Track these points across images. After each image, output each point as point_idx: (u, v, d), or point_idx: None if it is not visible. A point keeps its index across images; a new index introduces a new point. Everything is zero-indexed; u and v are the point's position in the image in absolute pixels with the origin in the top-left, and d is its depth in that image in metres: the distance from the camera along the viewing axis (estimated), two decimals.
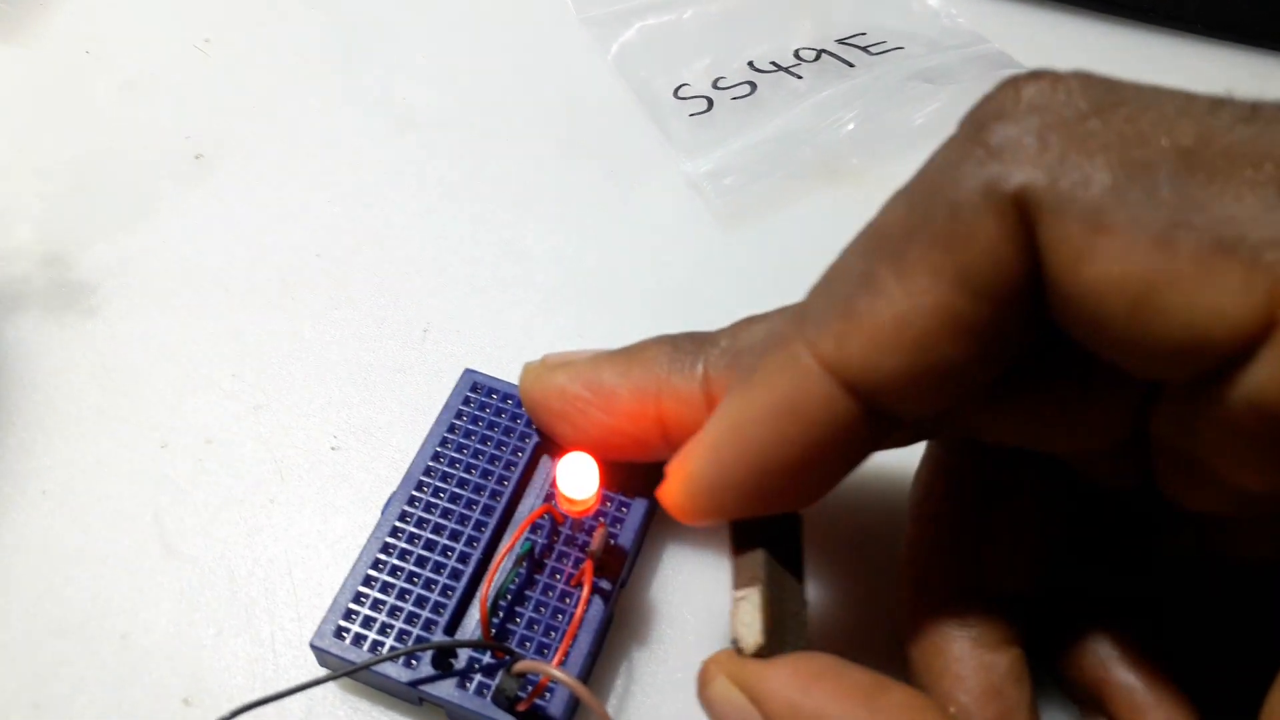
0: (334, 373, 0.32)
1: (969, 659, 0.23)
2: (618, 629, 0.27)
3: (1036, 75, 0.18)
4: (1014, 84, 0.19)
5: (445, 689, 0.24)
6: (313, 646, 0.24)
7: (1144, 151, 0.17)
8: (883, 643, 0.25)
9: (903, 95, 0.38)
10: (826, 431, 0.20)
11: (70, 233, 0.35)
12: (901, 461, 0.26)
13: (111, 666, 0.26)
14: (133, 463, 0.30)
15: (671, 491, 0.22)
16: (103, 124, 0.38)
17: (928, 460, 0.26)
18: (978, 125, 0.18)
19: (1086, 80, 0.18)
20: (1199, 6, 0.41)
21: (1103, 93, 0.18)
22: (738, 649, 0.22)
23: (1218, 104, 0.17)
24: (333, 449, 0.30)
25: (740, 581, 0.22)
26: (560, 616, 0.25)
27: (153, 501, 0.29)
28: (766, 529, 0.22)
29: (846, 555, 0.28)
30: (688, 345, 0.25)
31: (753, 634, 0.21)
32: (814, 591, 0.27)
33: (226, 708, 0.25)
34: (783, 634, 0.22)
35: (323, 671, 0.25)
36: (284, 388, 0.31)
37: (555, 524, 0.26)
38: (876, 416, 0.20)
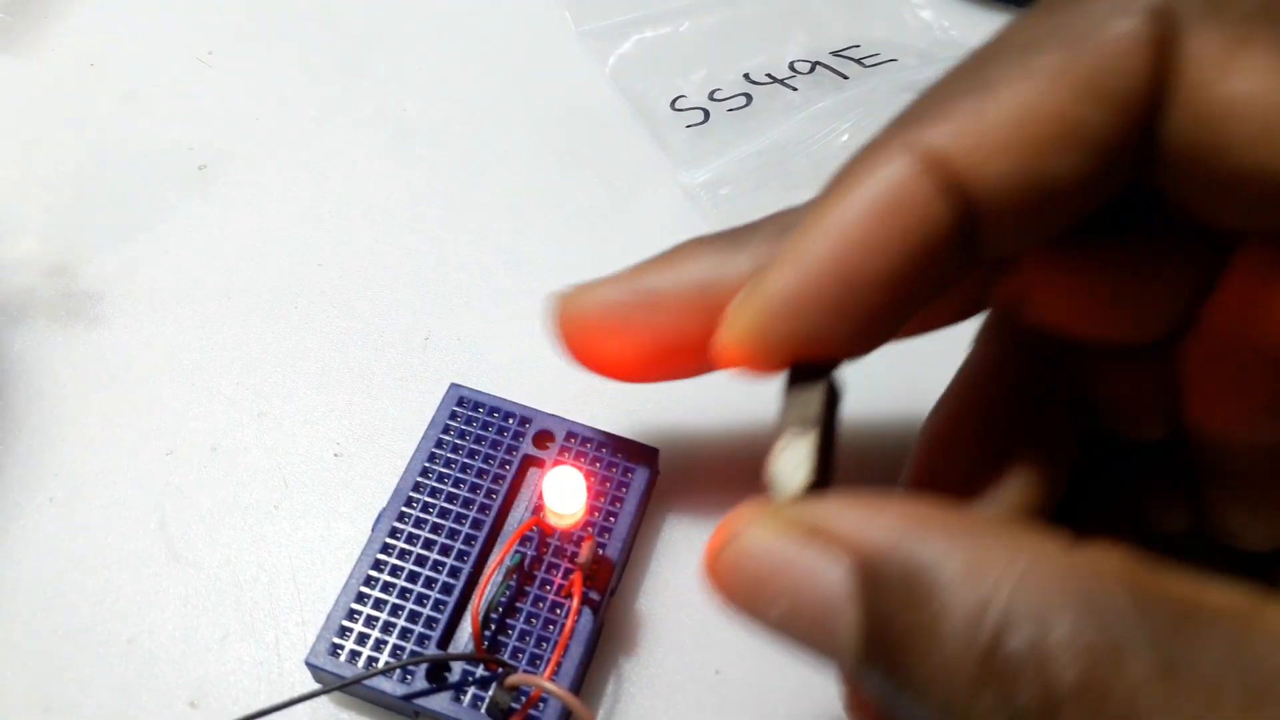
0: (336, 380, 0.32)
1: None
2: (606, 639, 0.27)
3: None
4: None
5: (439, 702, 0.24)
6: (308, 664, 0.25)
7: None
8: None
9: (896, 107, 0.38)
10: (920, 239, 0.18)
11: (75, 243, 0.35)
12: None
13: (118, 670, 0.26)
14: (138, 470, 0.30)
15: (740, 324, 0.20)
16: (106, 135, 0.39)
17: (968, 365, 0.25)
18: None
19: None
20: None
21: None
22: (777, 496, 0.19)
23: None
24: (335, 456, 0.30)
25: (791, 419, 0.20)
26: (551, 628, 0.25)
27: (158, 508, 0.29)
28: (821, 367, 0.20)
29: None
30: (728, 237, 0.23)
31: (801, 475, 0.19)
32: None
33: (232, 711, 0.25)
34: (827, 486, 0.19)
35: (318, 686, 0.25)
36: (287, 395, 0.32)
37: (544, 535, 0.27)
38: (967, 236, 0.18)
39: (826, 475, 0.19)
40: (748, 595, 0.18)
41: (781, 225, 0.22)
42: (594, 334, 0.24)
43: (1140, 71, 0.17)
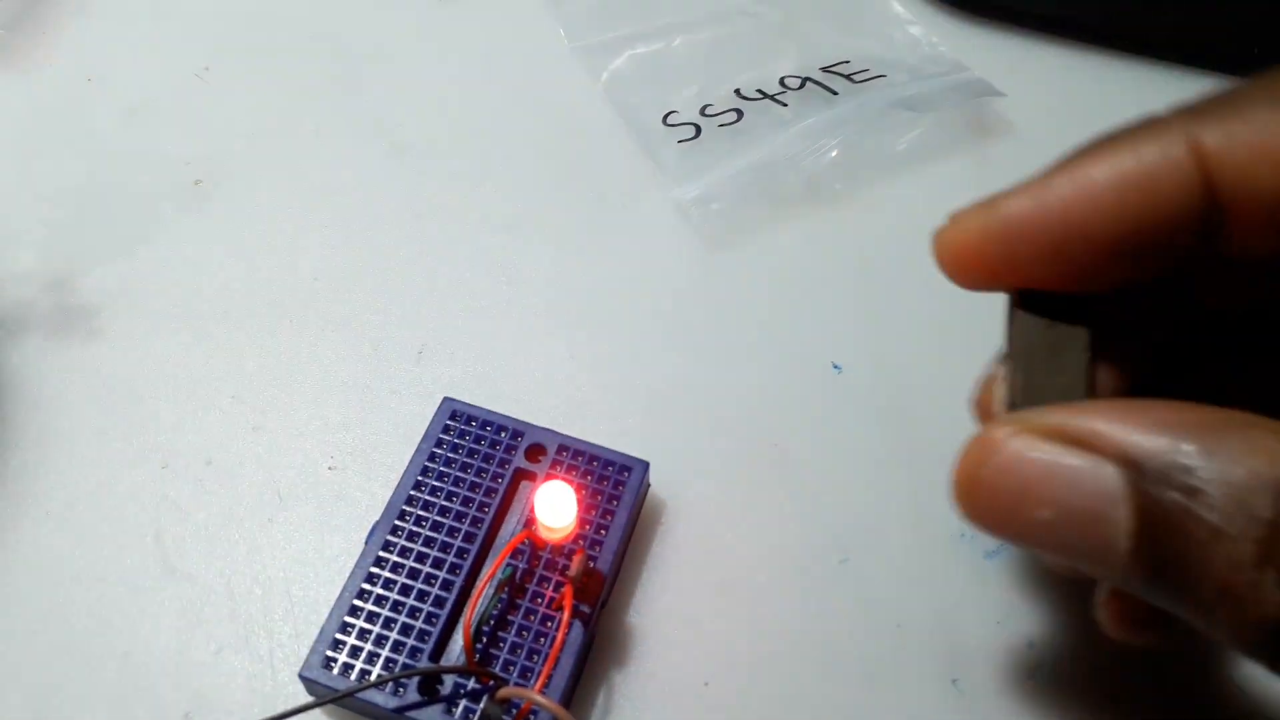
0: (331, 394, 0.32)
1: None
2: (597, 651, 0.27)
3: None
4: None
5: (431, 715, 0.24)
6: (301, 677, 0.25)
7: None
8: None
9: (885, 122, 0.39)
10: (1167, 215, 0.19)
11: (72, 257, 0.35)
12: None
13: (114, 684, 0.27)
14: (134, 483, 0.30)
15: (971, 225, 0.20)
16: (104, 151, 0.39)
17: None
18: None
19: None
20: (1173, 36, 0.42)
21: None
22: (1025, 404, 0.20)
23: None
24: (330, 469, 0.31)
25: (1029, 340, 0.21)
26: (542, 640, 0.26)
27: (154, 521, 0.30)
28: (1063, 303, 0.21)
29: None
30: (1169, 117, 0.20)
31: (1054, 393, 0.20)
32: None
33: None
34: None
35: (311, 699, 0.26)
36: (282, 409, 0.32)
37: (535, 549, 0.27)
38: (1209, 231, 0.19)
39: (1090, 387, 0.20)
40: (1011, 506, 0.19)
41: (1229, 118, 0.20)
42: (996, 247, 0.21)
43: None
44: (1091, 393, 0.20)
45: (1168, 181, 0.19)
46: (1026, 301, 0.21)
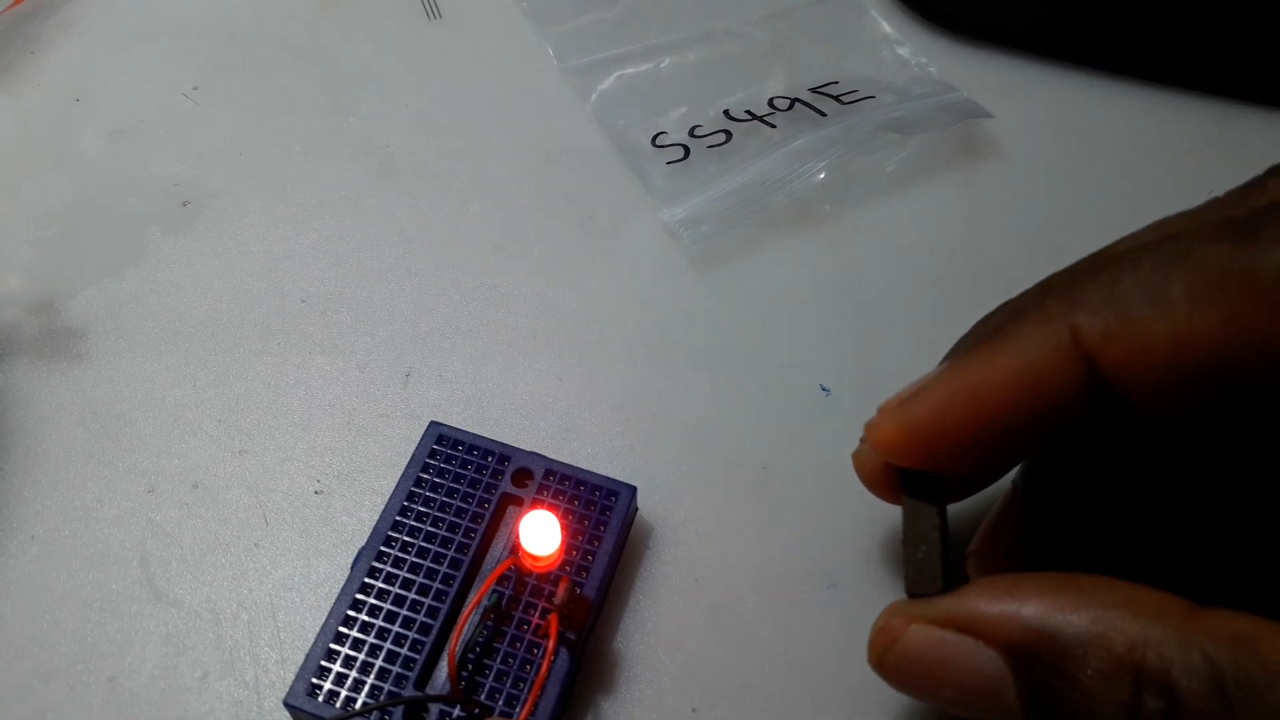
0: (318, 417, 0.32)
1: None
2: (584, 678, 0.27)
3: None
4: None
5: None
6: (286, 705, 0.25)
7: None
8: None
9: (873, 144, 0.39)
10: (1060, 410, 0.21)
11: (59, 279, 0.35)
12: None
13: (98, 709, 0.27)
14: (120, 507, 0.30)
15: (886, 428, 0.22)
16: (92, 171, 0.39)
17: None
18: None
19: None
20: (1162, 58, 0.43)
21: None
22: (917, 594, 0.22)
23: None
24: (316, 493, 0.31)
25: (918, 535, 0.23)
26: (528, 667, 0.25)
27: (140, 546, 0.29)
28: (931, 483, 0.23)
29: None
30: (1050, 308, 0.22)
31: (936, 582, 0.22)
32: None
33: None
34: (953, 576, 0.22)
35: None
36: (269, 432, 0.32)
37: (521, 575, 0.27)
38: (1110, 411, 0.20)
39: (952, 577, 0.22)
40: (918, 686, 0.22)
41: (1113, 299, 0.21)
42: (923, 441, 0.23)
43: None
44: (949, 575, 0.22)
45: (1059, 376, 0.20)
46: (908, 484, 0.24)
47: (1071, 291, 0.21)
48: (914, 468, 0.23)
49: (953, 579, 0.22)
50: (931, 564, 0.22)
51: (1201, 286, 0.19)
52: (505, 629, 0.26)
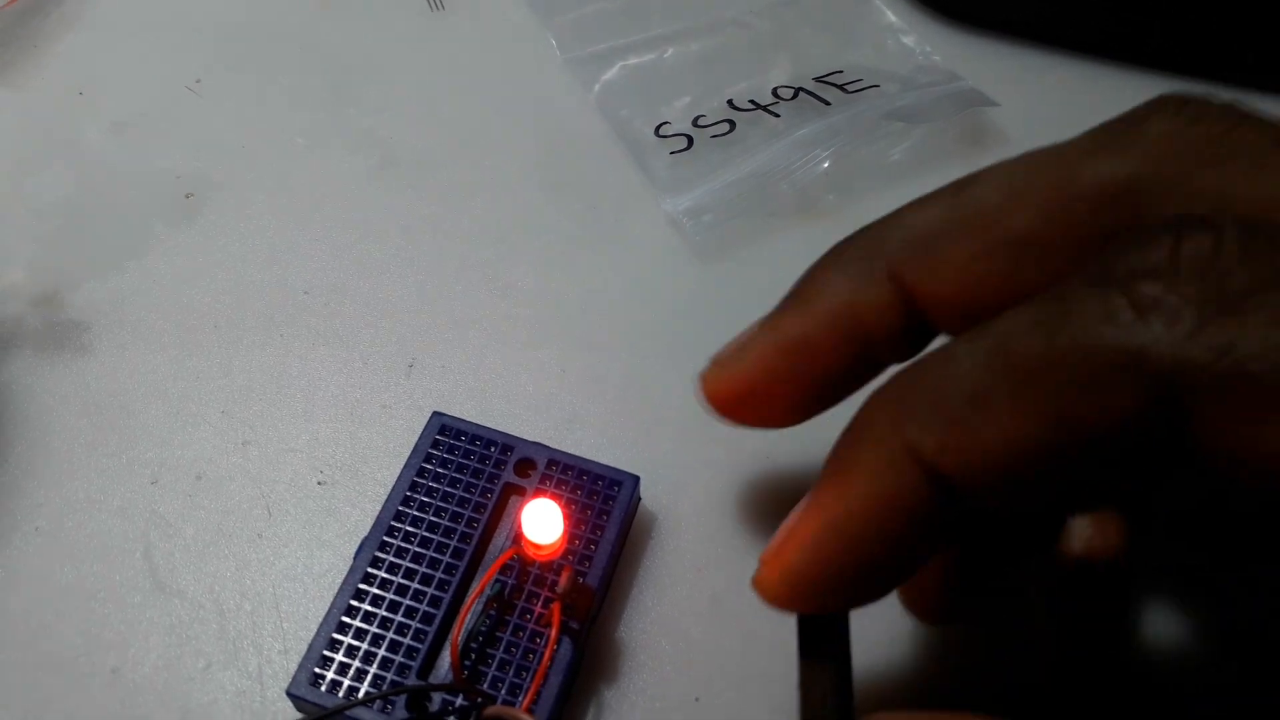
0: (321, 408, 0.32)
1: None
2: (587, 667, 0.27)
3: (1195, 227, 0.18)
4: (1170, 238, 0.18)
5: None
6: (289, 694, 0.25)
7: None
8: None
9: (878, 133, 0.39)
10: (921, 528, 0.20)
11: (62, 272, 0.35)
12: None
13: (102, 701, 0.27)
14: (123, 499, 0.30)
15: (770, 582, 0.22)
16: (94, 164, 0.39)
17: None
18: (1129, 278, 0.18)
19: (1250, 241, 0.17)
20: (1169, 45, 0.42)
21: (1269, 256, 0.17)
22: None
23: None
24: (319, 484, 0.31)
25: (813, 680, 0.23)
26: (531, 657, 0.25)
27: (143, 537, 0.29)
28: (835, 616, 0.23)
29: None
30: (855, 251, 0.24)
31: None
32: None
33: None
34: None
35: (300, 716, 0.25)
36: (272, 423, 0.32)
37: (524, 564, 0.27)
38: (968, 513, 0.20)
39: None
40: None
41: (914, 239, 0.23)
42: (749, 398, 0.25)
43: (1143, 434, 0.17)
44: None
45: (909, 496, 0.20)
46: (805, 635, 0.23)
47: (899, 402, 0.20)
48: (810, 614, 0.23)
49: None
50: (827, 714, 0.22)
51: (1021, 383, 0.18)
52: (508, 618, 0.26)
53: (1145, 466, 0.18)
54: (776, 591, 0.22)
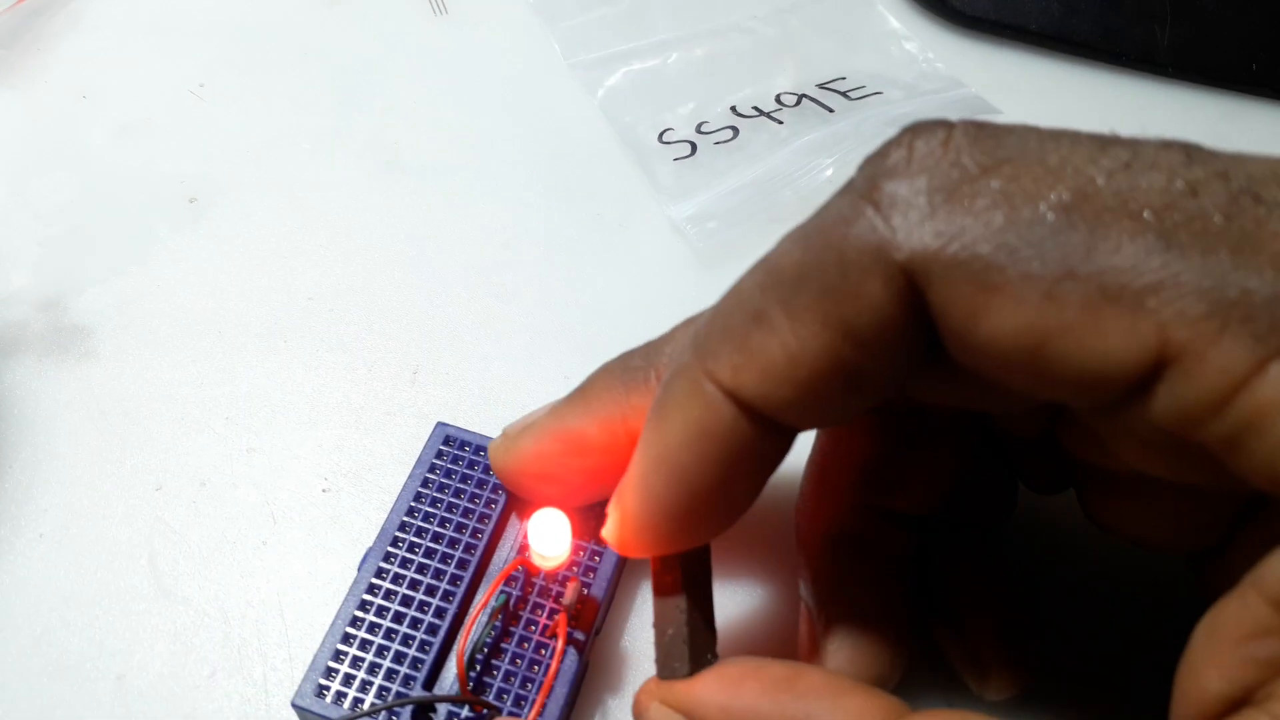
0: (325, 415, 0.32)
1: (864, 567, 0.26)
2: (592, 677, 0.27)
3: (929, 128, 0.19)
4: (908, 138, 0.19)
5: None
6: (294, 705, 0.25)
7: (1029, 210, 0.18)
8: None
9: (881, 140, 0.39)
10: (739, 450, 0.21)
11: (67, 277, 0.35)
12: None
13: (107, 707, 0.27)
14: (128, 505, 0.30)
15: (615, 530, 0.23)
16: (99, 168, 0.39)
17: None
18: (870, 180, 0.19)
19: (976, 134, 0.19)
20: (1171, 51, 0.42)
21: (992, 146, 0.19)
22: (664, 676, 0.23)
23: (1099, 150, 0.18)
24: (324, 491, 0.31)
25: (666, 618, 0.24)
26: (536, 668, 0.25)
27: (148, 544, 0.29)
28: (685, 557, 0.24)
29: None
30: (637, 360, 0.25)
31: (682, 665, 0.23)
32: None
33: None
34: (701, 656, 0.23)
35: None
36: (276, 430, 0.32)
37: (529, 575, 0.27)
38: (781, 430, 0.21)
39: (698, 651, 0.23)
40: None
41: (689, 337, 0.24)
42: (532, 481, 0.27)
43: (895, 320, 0.19)
44: (696, 657, 0.23)
45: (724, 424, 0.21)
46: (660, 567, 0.24)
47: (697, 335, 0.21)
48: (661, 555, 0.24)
49: (700, 661, 0.23)
50: (678, 647, 0.23)
51: (789, 293, 0.19)
52: (513, 630, 0.26)
53: (911, 358, 0.20)
54: (621, 537, 0.23)
